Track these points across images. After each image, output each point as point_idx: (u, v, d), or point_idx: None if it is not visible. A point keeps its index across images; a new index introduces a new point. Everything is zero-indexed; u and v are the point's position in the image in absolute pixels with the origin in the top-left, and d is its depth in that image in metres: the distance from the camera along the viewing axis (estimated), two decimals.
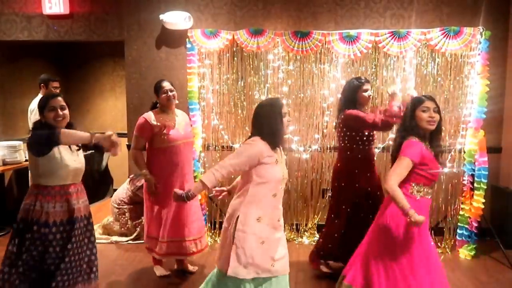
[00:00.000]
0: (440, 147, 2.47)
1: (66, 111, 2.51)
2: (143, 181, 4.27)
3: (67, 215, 2.51)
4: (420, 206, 2.35)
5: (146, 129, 3.25)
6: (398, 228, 2.35)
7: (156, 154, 3.28)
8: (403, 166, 2.34)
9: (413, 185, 2.39)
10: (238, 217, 2.30)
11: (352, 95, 3.26)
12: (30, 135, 2.53)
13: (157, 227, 3.34)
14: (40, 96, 4.51)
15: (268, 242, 2.33)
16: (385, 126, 3.06)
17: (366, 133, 3.23)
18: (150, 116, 3.27)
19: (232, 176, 2.43)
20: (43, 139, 2.39)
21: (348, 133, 3.25)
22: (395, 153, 2.47)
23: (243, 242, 2.28)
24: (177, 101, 3.36)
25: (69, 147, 2.56)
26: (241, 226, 2.29)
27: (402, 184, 2.37)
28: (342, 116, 3.27)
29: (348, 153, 3.28)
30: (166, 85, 3.28)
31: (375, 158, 3.37)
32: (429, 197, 2.44)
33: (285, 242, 2.45)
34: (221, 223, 4.37)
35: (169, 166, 3.25)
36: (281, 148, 2.43)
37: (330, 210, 3.46)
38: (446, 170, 4.12)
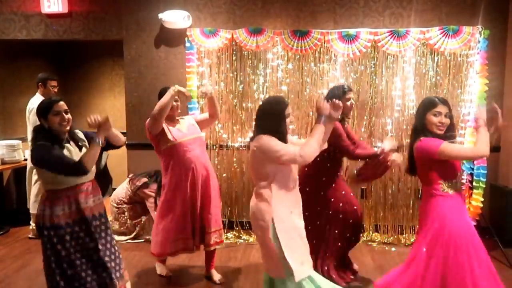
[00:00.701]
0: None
1: (69, 115, 2.49)
2: (142, 180, 4.29)
3: (78, 215, 2.48)
4: (458, 201, 2.36)
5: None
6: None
7: (167, 156, 3.21)
8: (452, 146, 2.32)
9: (441, 182, 2.37)
10: (272, 219, 2.28)
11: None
12: (35, 145, 2.42)
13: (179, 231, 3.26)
14: (38, 95, 4.49)
15: (304, 233, 2.40)
16: (356, 159, 3.11)
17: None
18: None
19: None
20: (65, 169, 2.36)
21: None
22: (411, 156, 2.50)
23: (289, 240, 2.27)
24: (179, 111, 3.31)
25: (78, 146, 2.55)
26: (280, 225, 2.27)
27: (432, 185, 2.38)
28: None
29: (318, 159, 2.91)
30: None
31: (343, 171, 3.33)
32: (459, 192, 2.41)
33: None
34: (230, 222, 4.40)
35: (183, 163, 3.18)
36: None
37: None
38: None
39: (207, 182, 3.26)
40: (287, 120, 2.38)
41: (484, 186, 3.94)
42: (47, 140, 2.40)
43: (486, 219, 4.07)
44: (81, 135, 2.66)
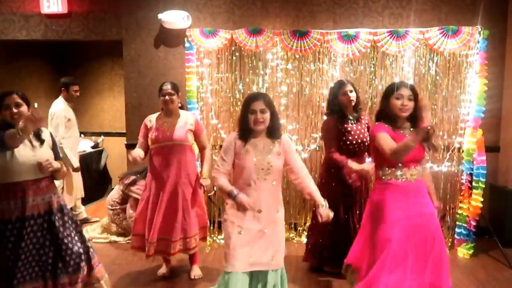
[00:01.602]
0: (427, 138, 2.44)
1: (22, 108, 2.46)
2: (131, 178, 4.28)
3: (20, 212, 2.47)
4: (399, 191, 2.41)
5: (143, 129, 3.36)
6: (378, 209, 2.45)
7: (151, 154, 3.32)
8: (383, 137, 2.39)
9: (379, 168, 2.48)
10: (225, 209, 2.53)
11: (334, 97, 3.34)
12: None
13: (144, 225, 3.32)
14: (60, 99, 4.57)
15: (249, 232, 2.42)
16: (330, 160, 3.27)
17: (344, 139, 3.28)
18: (150, 117, 3.36)
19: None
20: None
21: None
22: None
23: (226, 232, 2.49)
24: (179, 104, 3.35)
25: (31, 142, 2.51)
26: (224, 216, 2.52)
27: (375, 170, 2.53)
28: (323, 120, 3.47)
29: (326, 152, 3.43)
30: (166, 88, 3.27)
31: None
32: (402, 180, 2.43)
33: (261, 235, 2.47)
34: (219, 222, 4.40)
35: (160, 166, 3.25)
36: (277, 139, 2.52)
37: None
38: (444, 169, 4.14)
39: (176, 190, 3.23)
40: (251, 116, 2.41)
41: (483, 186, 3.93)
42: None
43: (486, 219, 4.07)
44: (46, 134, 2.63)
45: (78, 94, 4.67)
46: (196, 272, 3.48)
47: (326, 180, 3.39)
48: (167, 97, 3.24)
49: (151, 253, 3.27)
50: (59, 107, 4.49)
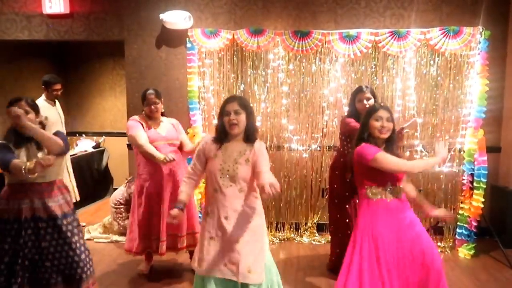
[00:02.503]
0: (396, 155, 2.47)
1: (30, 116, 2.48)
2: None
3: (14, 214, 2.50)
4: (387, 208, 2.43)
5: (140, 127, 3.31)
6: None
7: (140, 154, 3.31)
8: (387, 157, 2.40)
9: (367, 188, 2.48)
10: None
11: (351, 103, 3.36)
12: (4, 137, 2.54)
13: (148, 228, 3.35)
14: (43, 97, 4.49)
15: (216, 238, 2.36)
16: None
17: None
18: (136, 117, 3.36)
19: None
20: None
21: (340, 136, 3.44)
22: (351, 162, 2.60)
23: (200, 236, 2.50)
24: (163, 110, 3.42)
25: (39, 147, 2.55)
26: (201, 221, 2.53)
27: (360, 189, 2.52)
28: (341, 120, 3.46)
29: (335, 153, 3.56)
30: (151, 97, 3.29)
31: None
32: (389, 199, 2.45)
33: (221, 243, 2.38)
34: None
35: (151, 166, 3.27)
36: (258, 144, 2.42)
37: (329, 209, 3.52)
38: (445, 169, 4.14)
39: (176, 187, 3.23)
40: (225, 118, 2.37)
41: (484, 186, 3.94)
42: (8, 140, 2.49)
43: (487, 219, 4.07)
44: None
45: (59, 93, 4.52)
46: None
47: (335, 180, 3.42)
48: (152, 106, 3.30)
49: (164, 251, 3.31)
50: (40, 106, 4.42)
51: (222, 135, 2.41)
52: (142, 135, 3.21)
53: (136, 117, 3.36)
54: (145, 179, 3.31)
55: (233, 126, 2.34)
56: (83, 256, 2.62)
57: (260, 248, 2.38)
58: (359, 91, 3.31)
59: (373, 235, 2.40)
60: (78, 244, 2.61)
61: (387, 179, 2.45)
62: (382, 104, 2.62)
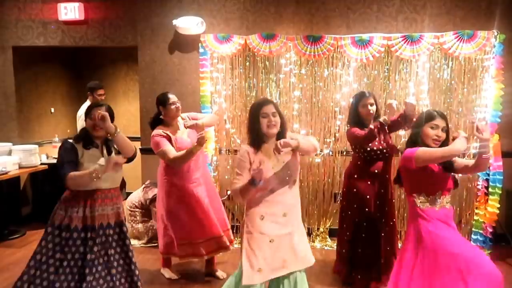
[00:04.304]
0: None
1: (105, 122, 2.54)
2: (155, 192, 4.31)
3: (89, 221, 2.58)
4: (436, 217, 2.36)
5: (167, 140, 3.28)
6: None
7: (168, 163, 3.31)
8: (425, 150, 2.33)
9: (415, 195, 2.40)
10: (244, 220, 2.41)
11: (355, 110, 3.31)
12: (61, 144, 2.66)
13: (176, 230, 3.38)
14: (88, 103, 4.78)
15: (277, 240, 2.35)
16: (368, 135, 3.09)
17: (368, 148, 3.22)
18: (159, 131, 3.30)
19: None
20: (57, 171, 2.54)
21: (352, 147, 3.38)
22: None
23: (251, 244, 2.33)
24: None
25: (109, 152, 2.67)
26: (245, 229, 2.38)
27: (409, 197, 2.45)
28: (346, 132, 3.41)
29: (351, 160, 3.54)
30: (173, 96, 3.34)
31: (380, 169, 3.26)
32: (440, 207, 2.40)
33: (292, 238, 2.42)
34: (232, 227, 4.40)
35: (189, 169, 3.31)
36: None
37: (340, 214, 3.52)
38: (460, 174, 4.08)
39: (206, 189, 3.41)
40: (263, 120, 2.37)
41: (500, 192, 3.88)
42: (78, 139, 2.61)
43: (502, 225, 4.00)
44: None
45: (103, 97, 5.02)
46: (220, 271, 3.61)
47: (347, 188, 3.37)
48: (177, 104, 3.33)
49: (204, 253, 3.38)
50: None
51: (260, 137, 2.42)
52: (171, 150, 3.19)
53: (159, 131, 3.29)
54: (172, 184, 3.33)
55: (273, 127, 2.40)
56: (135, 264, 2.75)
57: (304, 231, 2.59)
58: (362, 96, 3.27)
59: (432, 242, 2.33)
60: (132, 252, 2.76)
61: (437, 186, 2.39)
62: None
